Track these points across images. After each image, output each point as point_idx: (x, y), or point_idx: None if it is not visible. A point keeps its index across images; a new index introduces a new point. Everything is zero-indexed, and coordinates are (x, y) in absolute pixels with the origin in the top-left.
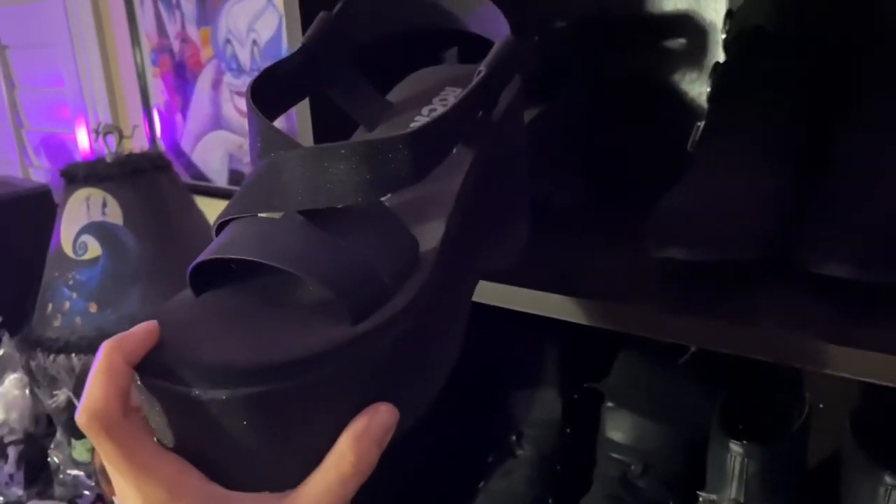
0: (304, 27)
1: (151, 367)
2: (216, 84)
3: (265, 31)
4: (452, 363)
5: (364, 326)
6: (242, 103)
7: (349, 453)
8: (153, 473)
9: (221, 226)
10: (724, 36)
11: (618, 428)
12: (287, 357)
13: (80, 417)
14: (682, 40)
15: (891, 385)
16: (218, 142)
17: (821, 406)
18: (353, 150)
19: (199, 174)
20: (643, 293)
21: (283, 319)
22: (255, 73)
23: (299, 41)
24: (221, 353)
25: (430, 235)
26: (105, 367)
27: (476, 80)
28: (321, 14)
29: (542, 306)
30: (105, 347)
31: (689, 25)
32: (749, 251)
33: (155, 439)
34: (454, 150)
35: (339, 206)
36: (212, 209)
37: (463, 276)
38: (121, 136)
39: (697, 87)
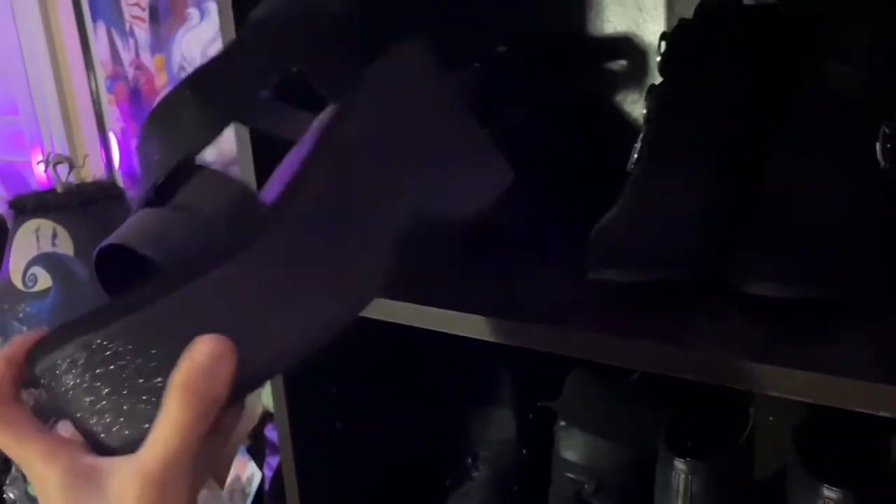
0: None
1: (33, 351)
2: None
3: None
4: (356, 304)
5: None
6: None
7: (174, 395)
8: (30, 446)
9: None
10: (658, 58)
11: (571, 447)
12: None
13: None
14: (622, 62)
15: (822, 403)
16: None
17: (770, 419)
18: (149, 129)
19: None
20: (582, 315)
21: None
22: None
23: None
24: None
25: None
26: (3, 357)
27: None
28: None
29: (481, 331)
30: (11, 342)
31: (629, 47)
32: (683, 271)
33: (47, 424)
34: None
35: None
36: None
37: (349, 228)
38: (71, 166)
39: (639, 109)
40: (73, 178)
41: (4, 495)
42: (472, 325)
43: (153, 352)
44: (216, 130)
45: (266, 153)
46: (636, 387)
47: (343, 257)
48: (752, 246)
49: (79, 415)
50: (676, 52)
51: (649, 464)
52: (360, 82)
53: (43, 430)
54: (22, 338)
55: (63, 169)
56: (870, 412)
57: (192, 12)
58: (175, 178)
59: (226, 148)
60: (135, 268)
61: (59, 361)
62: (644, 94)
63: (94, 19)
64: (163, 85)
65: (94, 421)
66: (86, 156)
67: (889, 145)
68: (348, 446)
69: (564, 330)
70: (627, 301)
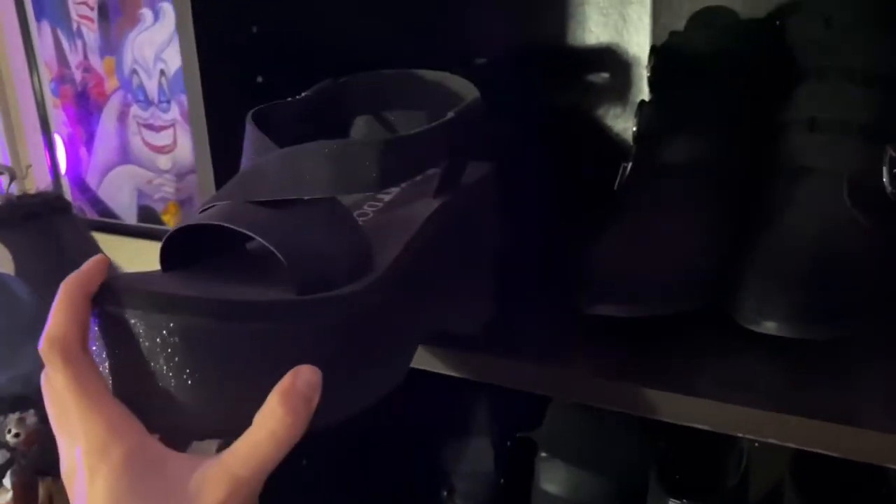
0: (201, 49)
1: (103, 295)
2: (122, 116)
3: (174, 61)
4: (388, 387)
5: (307, 297)
6: (151, 136)
7: (278, 408)
8: (99, 410)
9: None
10: (648, 73)
11: (552, 479)
12: (227, 297)
13: (43, 345)
14: (606, 75)
15: (841, 456)
16: (125, 177)
17: (755, 444)
18: (321, 149)
19: (106, 211)
20: (572, 353)
21: (237, 286)
22: (165, 105)
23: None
24: (170, 289)
25: (389, 252)
26: (66, 298)
27: (445, 118)
28: (327, 80)
29: (463, 368)
30: (65, 282)
31: (613, 60)
32: (686, 305)
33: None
34: (427, 199)
35: (305, 197)
36: (121, 249)
37: (415, 311)
38: (12, 178)
39: (622, 123)
40: (15, 189)
41: None
42: (450, 363)
43: (245, 361)
44: (380, 188)
45: (224, 163)
46: (621, 417)
47: (405, 336)
48: (758, 281)
49: (136, 383)
50: (668, 66)
51: (636, 498)
52: (456, 184)
53: (111, 396)
54: (73, 278)
55: (2, 180)
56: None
57: (146, 13)
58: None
59: (181, 156)
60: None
61: (160, 323)
62: (627, 108)
63: (38, 18)
64: (113, 88)
65: (152, 393)
66: (28, 166)
67: (895, 170)
68: (315, 484)
69: (556, 372)
70: (626, 338)
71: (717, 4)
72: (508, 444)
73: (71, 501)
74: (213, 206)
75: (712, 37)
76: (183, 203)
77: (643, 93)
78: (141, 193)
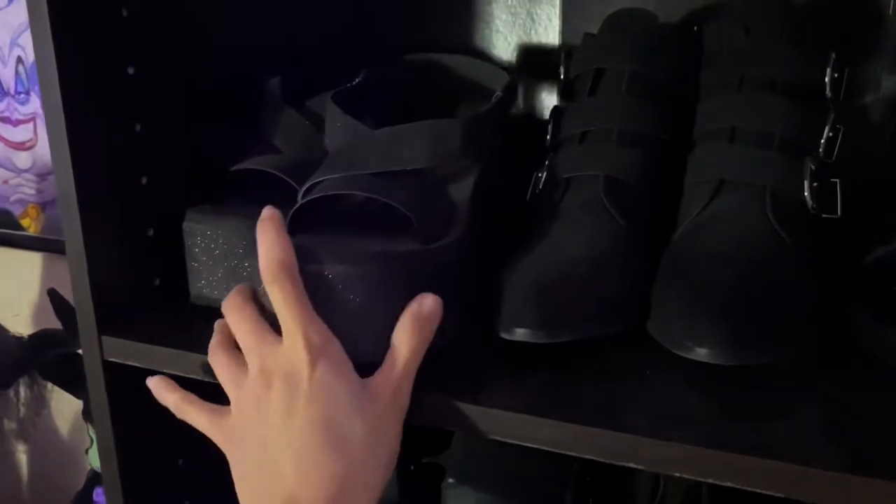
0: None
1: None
2: None
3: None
4: (455, 331)
5: (433, 246)
6: (7, 131)
7: (411, 325)
8: (317, 321)
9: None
10: (561, 77)
11: None
12: (387, 250)
13: (269, 267)
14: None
15: (773, 494)
16: None
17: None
18: (420, 127)
19: None
20: (483, 384)
21: (374, 241)
22: (23, 96)
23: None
24: (343, 246)
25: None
26: (275, 228)
27: (496, 97)
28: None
29: None
30: (265, 218)
31: (522, 62)
32: (601, 327)
33: None
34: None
35: (408, 168)
36: None
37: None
38: None
39: (531, 129)
40: None
41: None
42: None
43: (393, 295)
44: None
45: (85, 162)
46: None
47: (473, 282)
48: (685, 304)
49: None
50: (582, 71)
51: None
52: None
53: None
54: (268, 213)
55: None
56: None
57: None
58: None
59: (43, 153)
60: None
61: (343, 272)
62: (537, 113)
63: None
64: None
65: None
66: None
67: (816, 183)
68: None
69: (463, 406)
70: (542, 366)
71: (632, 6)
72: (412, 468)
73: (287, 391)
74: (323, 180)
75: (628, 40)
76: (45, 206)
77: (553, 96)
78: None
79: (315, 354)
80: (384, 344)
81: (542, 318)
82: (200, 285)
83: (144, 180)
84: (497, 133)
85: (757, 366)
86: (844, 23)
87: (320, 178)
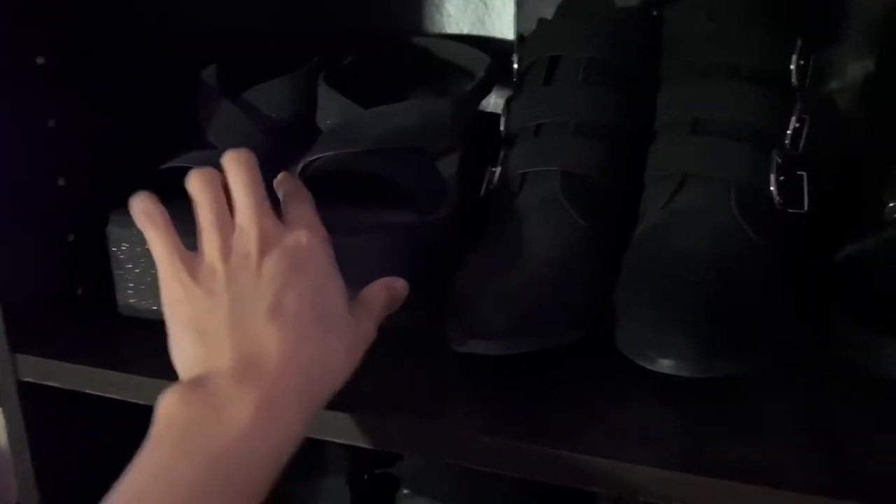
0: None
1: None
2: None
3: None
4: (432, 307)
5: (432, 217)
6: None
7: (387, 288)
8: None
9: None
10: (515, 65)
11: None
12: (403, 221)
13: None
14: (466, 66)
15: None
16: None
17: None
18: (412, 106)
19: None
20: (439, 401)
21: (375, 213)
22: None
23: None
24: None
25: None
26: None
27: (479, 78)
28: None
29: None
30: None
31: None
32: (560, 337)
33: None
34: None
35: (402, 146)
36: None
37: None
38: None
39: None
40: None
41: None
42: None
43: (392, 259)
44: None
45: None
46: None
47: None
48: (649, 312)
49: None
50: (536, 58)
51: None
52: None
53: None
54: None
55: None
56: None
57: None
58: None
59: None
60: None
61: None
62: (491, 103)
63: None
64: None
65: None
66: None
67: (782, 177)
68: None
69: (414, 427)
70: (500, 379)
71: None
72: (365, 477)
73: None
74: (319, 157)
75: (585, 27)
76: None
77: (507, 86)
78: None
79: (318, 241)
80: None
81: (500, 330)
82: (128, 294)
83: (62, 181)
84: (476, 113)
85: (727, 377)
86: (808, 7)
87: (316, 155)
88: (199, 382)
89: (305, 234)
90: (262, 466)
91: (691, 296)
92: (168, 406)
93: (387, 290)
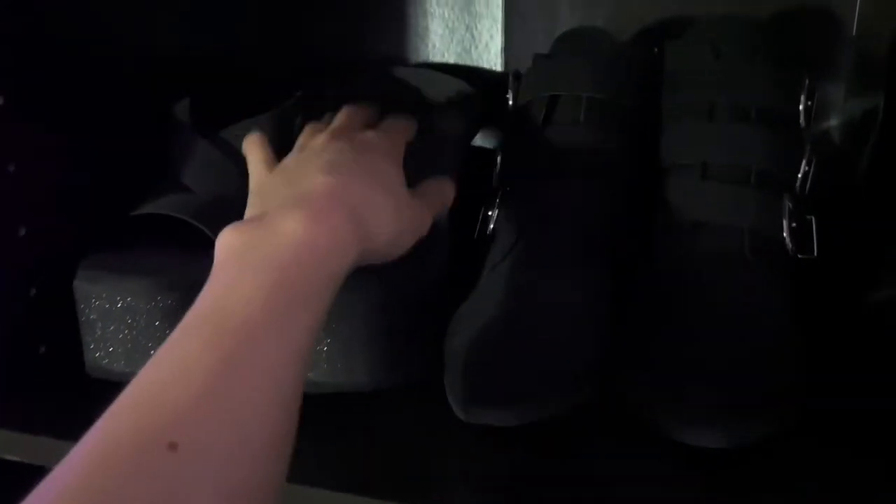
0: None
1: None
2: None
3: None
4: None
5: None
6: None
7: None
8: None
9: None
10: (510, 102)
11: None
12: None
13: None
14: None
15: None
16: None
17: None
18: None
19: None
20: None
21: None
22: None
23: None
24: None
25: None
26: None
27: (473, 112)
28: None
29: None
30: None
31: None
32: (567, 402)
33: None
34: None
35: None
36: None
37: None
38: None
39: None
40: None
41: None
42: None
43: None
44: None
45: None
46: None
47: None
48: (664, 375)
49: None
50: (534, 97)
51: None
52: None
53: None
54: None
55: None
56: None
57: None
58: None
59: None
60: None
61: None
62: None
63: None
64: None
65: None
66: None
67: (795, 224)
68: None
69: None
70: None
71: (581, 25)
72: None
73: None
74: None
75: (584, 63)
76: None
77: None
78: None
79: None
80: None
81: (508, 396)
82: (97, 356)
83: (22, 231)
84: (470, 149)
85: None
86: (807, 44)
87: None
88: (252, 218)
89: (378, 134)
90: (319, 273)
91: (714, 360)
92: (225, 238)
93: (438, 188)
